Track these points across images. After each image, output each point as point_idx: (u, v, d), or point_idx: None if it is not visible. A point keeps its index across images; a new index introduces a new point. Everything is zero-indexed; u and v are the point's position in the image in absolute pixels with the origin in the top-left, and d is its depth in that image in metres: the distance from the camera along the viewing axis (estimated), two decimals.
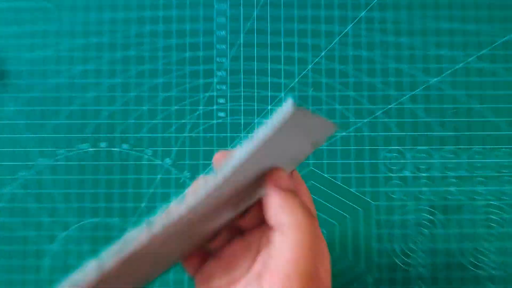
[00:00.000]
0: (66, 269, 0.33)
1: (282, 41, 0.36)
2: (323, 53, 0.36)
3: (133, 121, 0.35)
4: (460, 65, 0.35)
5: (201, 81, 0.35)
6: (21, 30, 0.36)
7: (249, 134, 0.35)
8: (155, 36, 0.35)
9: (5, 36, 0.36)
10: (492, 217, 0.34)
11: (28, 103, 0.35)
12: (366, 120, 0.35)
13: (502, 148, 0.35)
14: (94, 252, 0.30)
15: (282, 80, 0.35)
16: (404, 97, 0.35)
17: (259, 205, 0.22)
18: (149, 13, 0.36)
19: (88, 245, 0.34)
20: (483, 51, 0.36)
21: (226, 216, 0.21)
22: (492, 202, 0.34)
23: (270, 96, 0.35)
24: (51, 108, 0.35)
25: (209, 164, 0.34)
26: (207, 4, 0.36)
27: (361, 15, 0.36)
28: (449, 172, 0.34)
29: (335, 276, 0.34)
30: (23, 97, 0.35)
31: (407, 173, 0.34)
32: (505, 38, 0.36)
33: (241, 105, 0.35)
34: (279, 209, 0.20)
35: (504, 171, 0.34)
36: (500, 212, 0.34)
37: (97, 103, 0.35)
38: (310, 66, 0.35)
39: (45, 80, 0.35)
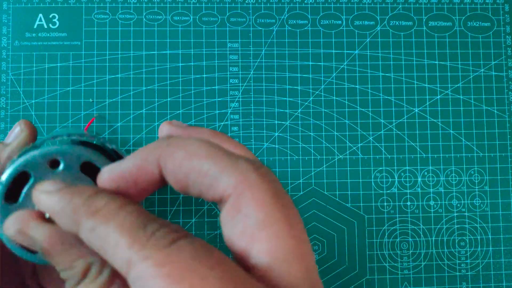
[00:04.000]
0: None
1: (287, 75, 0.41)
2: (322, 86, 0.41)
3: None
4: (439, 96, 0.41)
5: (217, 111, 0.40)
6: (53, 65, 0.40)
7: (259, 158, 0.40)
8: (176, 72, 0.40)
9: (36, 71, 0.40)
10: (465, 226, 0.41)
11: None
12: (359, 144, 0.41)
13: (474, 167, 0.41)
14: None
15: (287, 110, 0.40)
16: (392, 125, 0.41)
17: None
18: (169, 52, 0.40)
19: None
20: (458, 84, 0.42)
21: None
22: (465, 213, 0.41)
23: (277, 124, 0.40)
24: None
25: None
26: (221, 43, 0.41)
27: (355, 53, 0.41)
28: (429, 189, 0.41)
29: (334, 278, 0.39)
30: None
31: (394, 190, 0.40)
32: (476, 73, 0.42)
33: (252, 132, 0.40)
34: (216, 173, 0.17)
35: (475, 187, 0.41)
36: (471, 222, 0.41)
37: (125, 132, 0.39)
38: (311, 98, 0.41)
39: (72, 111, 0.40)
